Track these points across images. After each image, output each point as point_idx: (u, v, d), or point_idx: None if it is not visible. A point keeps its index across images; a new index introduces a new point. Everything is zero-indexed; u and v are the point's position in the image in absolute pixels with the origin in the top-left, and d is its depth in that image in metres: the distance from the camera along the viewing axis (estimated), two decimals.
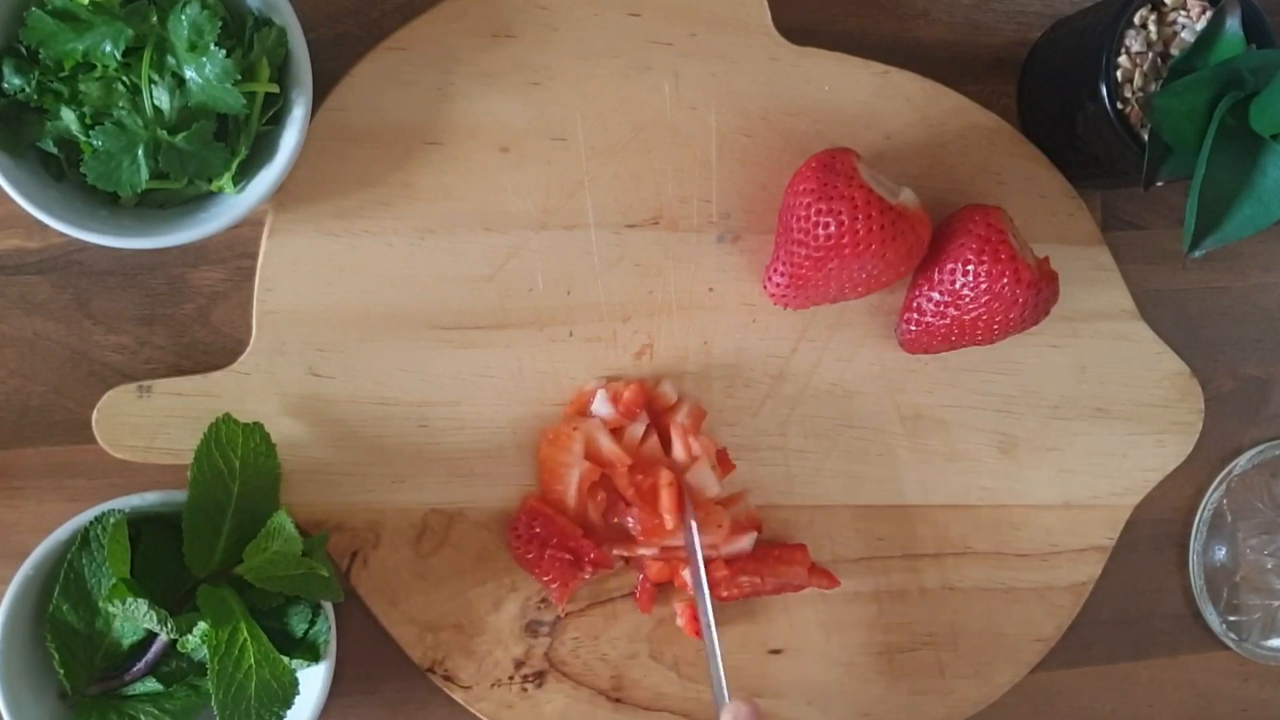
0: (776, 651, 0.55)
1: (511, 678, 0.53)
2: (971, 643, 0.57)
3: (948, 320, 0.51)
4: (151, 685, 0.47)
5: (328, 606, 0.47)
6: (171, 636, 0.43)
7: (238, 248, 0.52)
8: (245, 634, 0.44)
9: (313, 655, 0.47)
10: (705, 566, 0.52)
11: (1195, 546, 0.62)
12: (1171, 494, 0.61)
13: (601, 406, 0.52)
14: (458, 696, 0.52)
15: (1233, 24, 0.51)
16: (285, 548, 0.44)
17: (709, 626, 0.51)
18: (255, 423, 0.47)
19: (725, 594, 0.53)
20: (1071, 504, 0.58)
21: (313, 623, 0.47)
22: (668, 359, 0.54)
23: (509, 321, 0.52)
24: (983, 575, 0.57)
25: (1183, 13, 0.53)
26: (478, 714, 0.53)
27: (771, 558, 0.54)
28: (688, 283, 0.54)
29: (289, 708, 0.44)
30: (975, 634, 0.57)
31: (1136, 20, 0.53)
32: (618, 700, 0.53)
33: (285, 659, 0.44)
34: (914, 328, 0.53)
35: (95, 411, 0.49)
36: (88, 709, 0.46)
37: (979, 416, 0.57)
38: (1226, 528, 0.63)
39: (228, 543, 0.46)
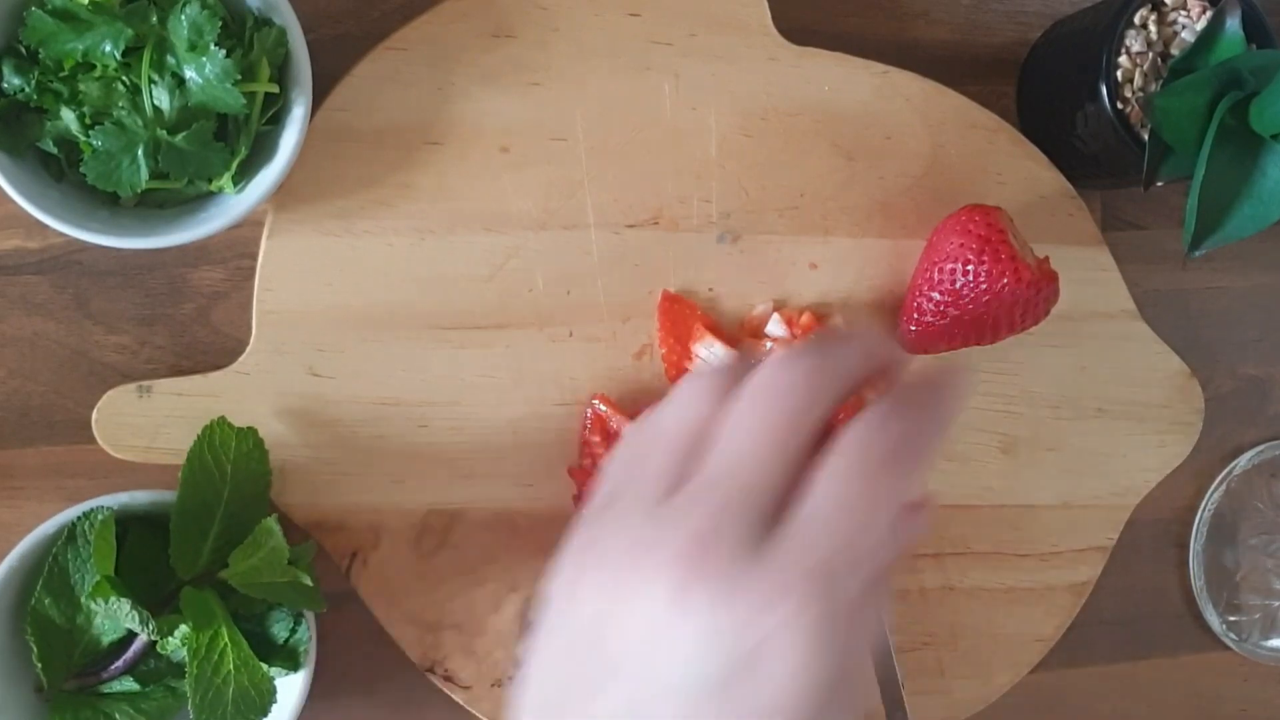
0: None
1: (512, 678, 0.53)
2: (971, 643, 0.57)
3: (948, 320, 0.51)
4: (129, 684, 0.47)
5: (310, 615, 0.47)
6: (152, 637, 0.43)
7: (238, 248, 0.52)
8: (226, 639, 0.43)
9: (292, 663, 0.47)
10: None
11: (1195, 546, 0.62)
12: (1171, 494, 0.61)
13: (775, 328, 0.53)
14: (458, 697, 0.52)
15: (1233, 24, 0.51)
16: (271, 555, 0.44)
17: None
18: (249, 427, 0.46)
19: None
20: (1071, 504, 0.58)
21: (294, 631, 0.47)
22: (668, 360, 0.54)
23: (509, 321, 0.52)
24: (983, 575, 0.57)
25: (1183, 13, 0.53)
26: (478, 714, 0.53)
27: None
28: (688, 283, 0.54)
29: (265, 715, 0.44)
30: (975, 634, 0.57)
31: (1136, 20, 0.53)
32: None
33: (264, 666, 0.44)
34: (914, 328, 0.53)
35: (95, 411, 0.49)
36: (63, 704, 0.46)
37: (979, 416, 0.57)
38: (1226, 528, 0.63)
39: (214, 546, 0.46)
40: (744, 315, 0.54)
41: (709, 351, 0.52)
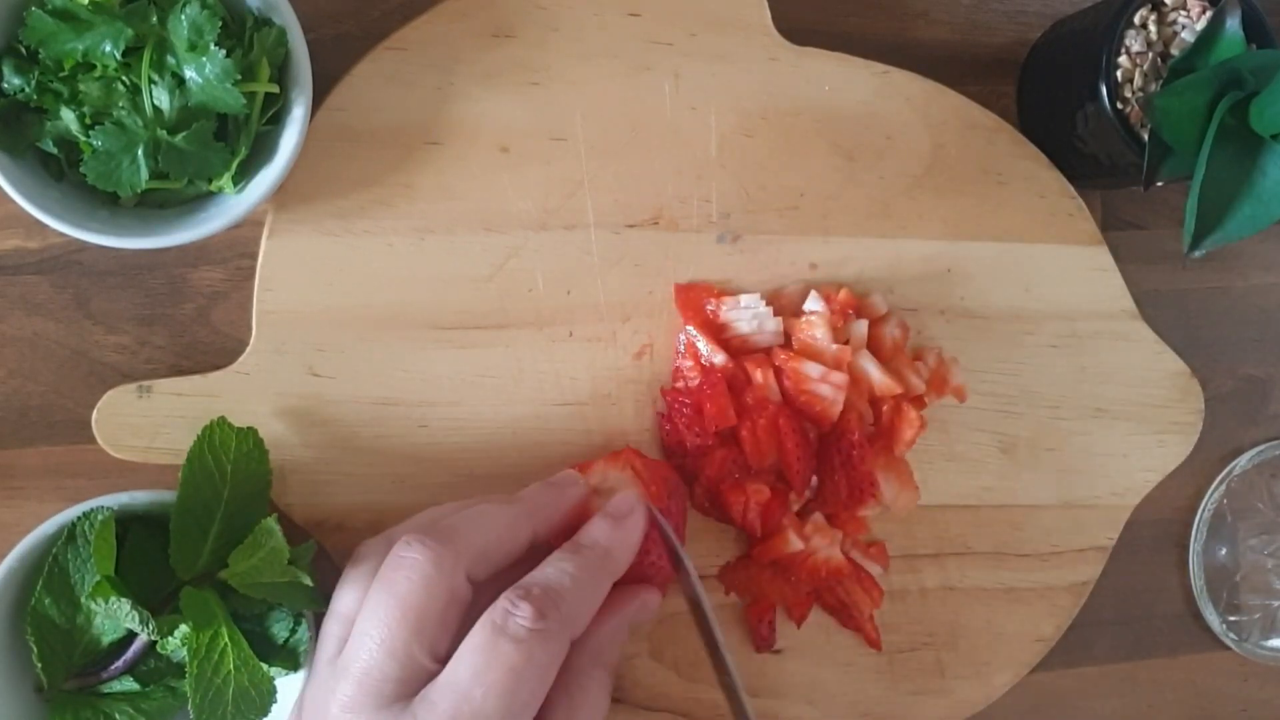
0: (776, 651, 0.55)
1: None
2: (971, 643, 0.57)
3: None
4: (129, 684, 0.47)
5: (310, 615, 0.47)
6: (152, 637, 0.43)
7: (238, 248, 0.52)
8: (226, 638, 0.43)
9: (292, 663, 0.47)
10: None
11: (1195, 546, 0.62)
12: (1171, 494, 0.61)
13: (814, 303, 0.53)
14: None
15: (1233, 24, 0.51)
16: (271, 555, 0.44)
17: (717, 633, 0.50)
18: (249, 427, 0.46)
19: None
20: (1071, 504, 0.58)
21: (294, 631, 0.47)
22: (669, 359, 0.54)
23: (509, 321, 0.52)
24: (983, 575, 0.57)
25: (1183, 13, 0.53)
26: None
27: (852, 575, 0.54)
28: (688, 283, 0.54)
29: (266, 715, 0.44)
30: (975, 634, 0.57)
31: (1136, 20, 0.53)
32: (617, 700, 0.53)
33: (264, 666, 0.44)
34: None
35: (95, 411, 0.49)
36: (63, 704, 0.46)
37: (979, 416, 0.57)
38: (1226, 528, 0.63)
39: (214, 546, 0.46)
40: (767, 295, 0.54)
41: (739, 311, 0.52)
